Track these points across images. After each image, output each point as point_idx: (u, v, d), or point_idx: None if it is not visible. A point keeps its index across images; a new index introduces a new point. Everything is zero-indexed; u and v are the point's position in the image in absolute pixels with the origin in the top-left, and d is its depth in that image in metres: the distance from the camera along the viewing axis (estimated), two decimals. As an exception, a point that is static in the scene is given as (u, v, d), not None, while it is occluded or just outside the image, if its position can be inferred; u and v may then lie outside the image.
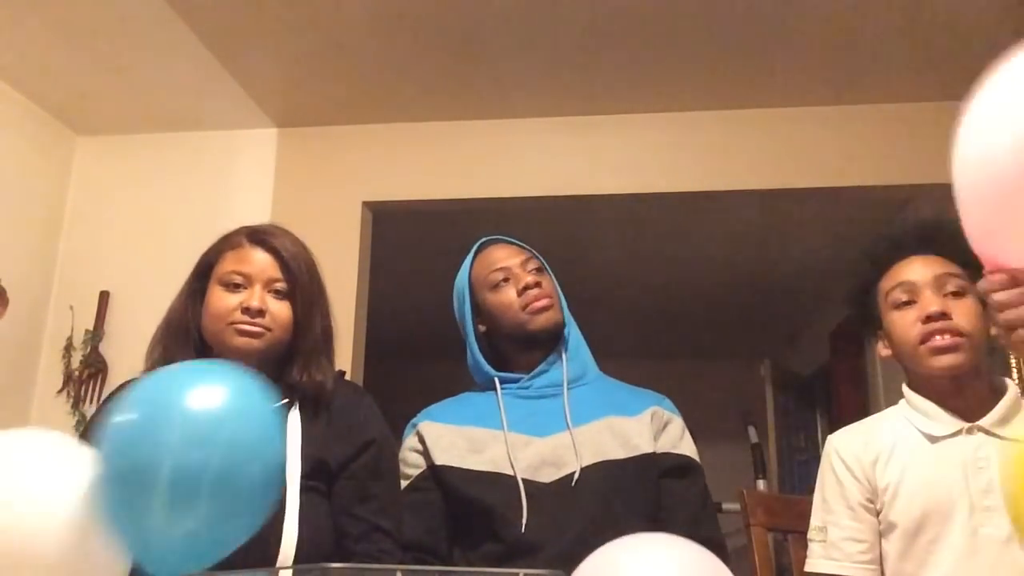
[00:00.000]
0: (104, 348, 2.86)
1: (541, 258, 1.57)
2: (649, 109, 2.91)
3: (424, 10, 2.36)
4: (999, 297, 1.00)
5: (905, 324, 1.32)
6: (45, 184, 2.95)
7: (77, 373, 2.83)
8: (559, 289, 1.56)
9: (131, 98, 2.83)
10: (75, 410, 2.80)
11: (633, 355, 4.99)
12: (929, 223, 1.41)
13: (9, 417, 2.76)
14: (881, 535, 1.32)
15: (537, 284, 1.48)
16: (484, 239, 1.59)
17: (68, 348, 2.86)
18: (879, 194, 2.88)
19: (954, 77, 2.67)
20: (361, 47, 2.54)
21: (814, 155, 2.84)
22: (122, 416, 0.84)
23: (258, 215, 2.94)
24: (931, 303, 1.29)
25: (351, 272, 2.89)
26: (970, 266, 1.32)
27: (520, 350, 1.50)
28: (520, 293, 1.47)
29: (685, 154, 2.90)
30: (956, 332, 1.27)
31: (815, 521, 1.39)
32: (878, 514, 1.33)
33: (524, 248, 1.57)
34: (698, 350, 5.94)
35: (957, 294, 1.30)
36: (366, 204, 3.00)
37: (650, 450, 1.39)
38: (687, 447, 1.45)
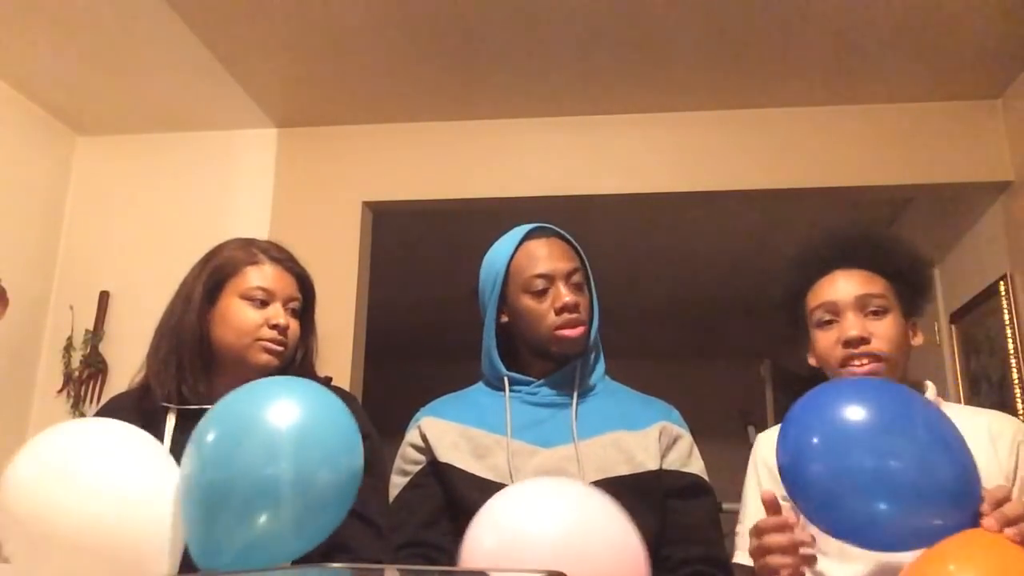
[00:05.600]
0: (104, 348, 2.86)
1: (587, 263, 1.48)
2: (649, 109, 2.91)
3: (424, 10, 2.36)
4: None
5: (827, 344, 1.34)
6: (45, 184, 2.95)
7: (77, 373, 2.83)
8: (595, 300, 1.47)
9: (131, 98, 2.83)
10: (75, 410, 2.80)
11: (633, 355, 4.99)
12: (852, 235, 1.41)
13: (9, 417, 2.76)
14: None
15: (576, 306, 1.39)
16: (536, 225, 1.49)
17: (68, 348, 2.86)
18: (879, 194, 2.88)
19: (954, 77, 2.67)
20: (361, 47, 2.54)
21: (814, 155, 2.84)
22: (206, 434, 0.94)
23: (258, 215, 2.95)
24: (851, 327, 1.31)
25: (351, 272, 2.89)
26: (895, 279, 1.36)
27: (535, 357, 1.45)
28: (557, 312, 1.39)
29: (685, 154, 2.90)
30: (874, 357, 1.28)
31: (740, 519, 1.40)
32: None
33: (574, 250, 1.47)
34: (698, 350, 5.95)
35: (878, 313, 1.31)
36: (366, 204, 3.00)
37: (655, 467, 1.36)
38: (696, 465, 1.42)
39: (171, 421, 1.30)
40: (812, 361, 1.42)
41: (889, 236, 1.43)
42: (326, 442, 0.94)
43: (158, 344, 1.36)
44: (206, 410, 1.30)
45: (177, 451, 1.26)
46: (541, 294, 1.40)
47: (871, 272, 1.35)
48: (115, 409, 1.38)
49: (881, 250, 1.39)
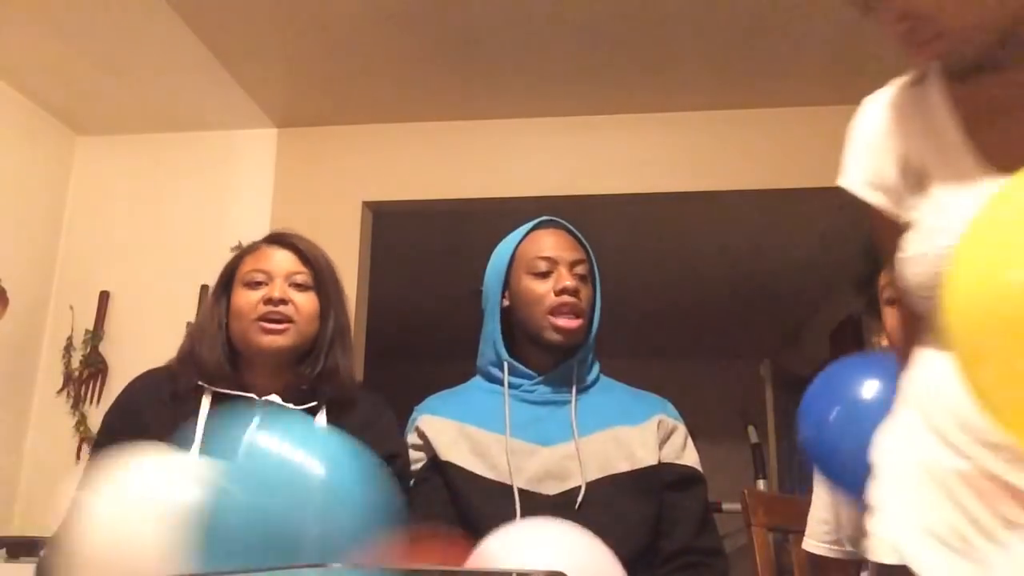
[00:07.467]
0: (104, 348, 2.86)
1: (594, 261, 1.49)
2: (649, 109, 2.91)
3: (424, 10, 2.36)
4: None
5: (895, 320, 1.25)
6: (45, 184, 2.95)
7: (77, 373, 2.83)
8: (598, 297, 1.47)
9: (131, 98, 2.83)
10: (75, 410, 2.80)
11: (633, 355, 4.99)
12: None
13: (9, 417, 2.76)
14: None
15: (576, 292, 1.39)
16: (548, 218, 1.51)
17: (68, 348, 2.86)
18: (879, 194, 2.88)
19: (954, 77, 2.67)
20: (361, 47, 2.54)
21: (814, 155, 2.83)
22: (230, 478, 0.86)
23: (258, 215, 2.95)
24: None
25: (351, 272, 2.89)
26: None
27: (532, 345, 1.44)
28: (557, 294, 1.39)
29: (685, 154, 2.90)
30: None
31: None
32: None
33: (582, 245, 1.48)
34: (698, 350, 5.94)
35: None
36: (366, 204, 3.00)
37: (653, 462, 1.37)
38: (690, 457, 1.42)
39: (206, 404, 1.31)
40: (884, 342, 1.36)
41: None
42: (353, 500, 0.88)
43: (185, 342, 1.40)
44: (240, 396, 1.32)
45: (209, 433, 1.27)
46: (543, 276, 1.41)
47: None
48: (147, 387, 1.38)
49: None
